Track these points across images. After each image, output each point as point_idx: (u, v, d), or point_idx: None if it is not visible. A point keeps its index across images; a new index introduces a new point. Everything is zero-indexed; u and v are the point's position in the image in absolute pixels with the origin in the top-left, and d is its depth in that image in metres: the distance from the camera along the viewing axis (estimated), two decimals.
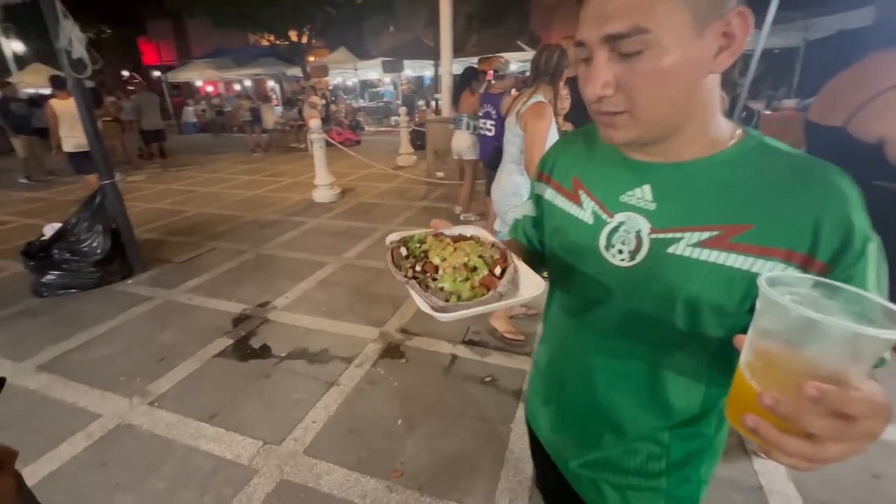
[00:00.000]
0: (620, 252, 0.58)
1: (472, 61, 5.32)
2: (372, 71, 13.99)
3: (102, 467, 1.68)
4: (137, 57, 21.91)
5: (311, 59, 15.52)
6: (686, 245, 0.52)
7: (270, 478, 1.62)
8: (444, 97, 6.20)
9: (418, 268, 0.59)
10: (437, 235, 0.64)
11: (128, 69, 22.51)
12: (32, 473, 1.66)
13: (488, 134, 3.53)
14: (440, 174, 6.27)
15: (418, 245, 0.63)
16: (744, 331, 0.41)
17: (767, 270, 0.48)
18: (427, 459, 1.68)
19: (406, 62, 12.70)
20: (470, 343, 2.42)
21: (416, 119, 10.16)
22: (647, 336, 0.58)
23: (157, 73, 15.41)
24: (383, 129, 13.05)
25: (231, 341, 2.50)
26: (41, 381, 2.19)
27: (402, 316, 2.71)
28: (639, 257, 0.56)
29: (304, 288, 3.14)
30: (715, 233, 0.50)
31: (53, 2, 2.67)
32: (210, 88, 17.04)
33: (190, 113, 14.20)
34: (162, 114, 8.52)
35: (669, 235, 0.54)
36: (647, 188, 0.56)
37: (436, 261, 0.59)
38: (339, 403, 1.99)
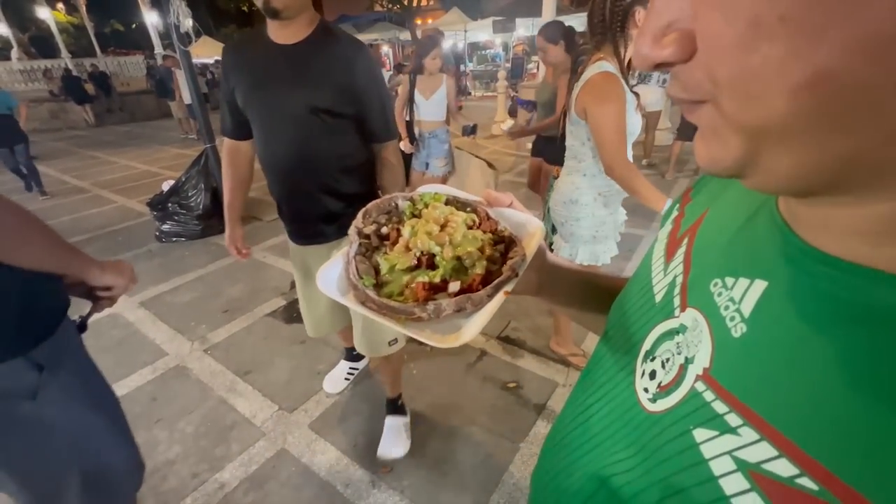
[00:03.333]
0: (652, 377, 0.31)
1: None
2: (482, 32, 13.45)
3: (153, 401, 1.95)
4: None
5: (428, 20, 15.50)
6: (727, 449, 0.23)
7: (274, 444, 1.70)
8: None
9: (385, 230, 0.47)
10: (475, 211, 0.48)
11: None
12: None
13: None
14: (530, 146, 5.83)
15: (422, 206, 0.48)
16: None
17: None
18: (419, 461, 1.59)
19: (519, 21, 11.89)
20: (506, 340, 2.22)
21: (524, 83, 9.55)
22: None
23: None
24: (490, 94, 12.64)
25: (284, 302, 2.68)
26: (138, 316, 2.62)
27: None
28: (662, 403, 0.29)
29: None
30: (810, 483, 0.20)
31: None
32: None
33: None
34: None
35: (720, 407, 0.25)
36: (758, 286, 0.26)
37: (405, 232, 0.45)
38: (354, 382, 2.00)
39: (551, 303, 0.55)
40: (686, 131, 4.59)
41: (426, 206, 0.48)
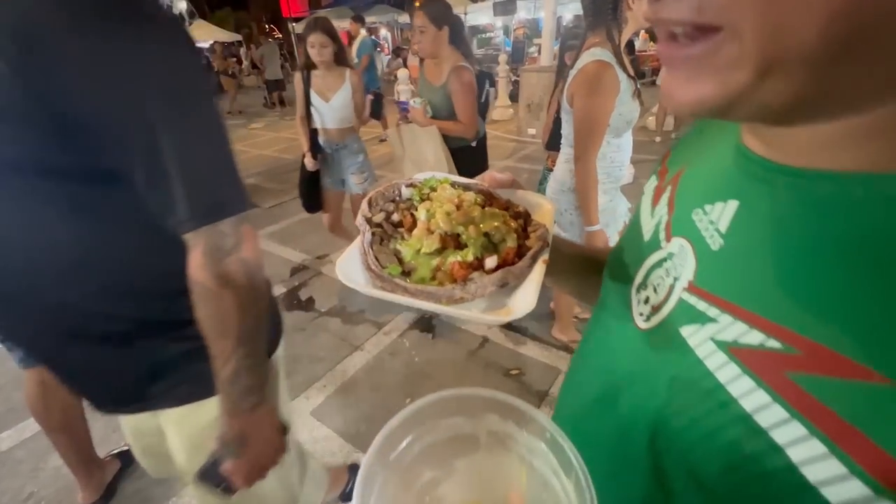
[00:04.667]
0: (647, 301, 0.35)
1: None
2: (482, 15, 13.17)
3: None
4: (277, 9, 23.89)
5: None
6: (709, 336, 0.27)
7: None
8: (545, 43, 5.54)
9: (396, 217, 0.46)
10: (480, 192, 0.49)
11: (268, 21, 24.80)
12: None
13: None
14: (532, 131, 5.76)
15: (428, 191, 0.48)
16: None
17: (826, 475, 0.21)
18: None
19: (520, 3, 11.65)
20: (508, 327, 2.21)
21: (525, 66, 9.40)
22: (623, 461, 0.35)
23: (293, 25, 16.79)
24: None
25: (284, 290, 2.66)
26: None
27: None
28: (654, 319, 0.33)
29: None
30: (775, 343, 0.24)
31: None
32: None
33: None
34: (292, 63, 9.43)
35: (702, 306, 0.29)
36: (732, 205, 0.29)
37: (421, 215, 0.44)
38: (357, 369, 1.99)
39: (551, 280, 0.54)
40: None
41: (433, 189, 0.49)
